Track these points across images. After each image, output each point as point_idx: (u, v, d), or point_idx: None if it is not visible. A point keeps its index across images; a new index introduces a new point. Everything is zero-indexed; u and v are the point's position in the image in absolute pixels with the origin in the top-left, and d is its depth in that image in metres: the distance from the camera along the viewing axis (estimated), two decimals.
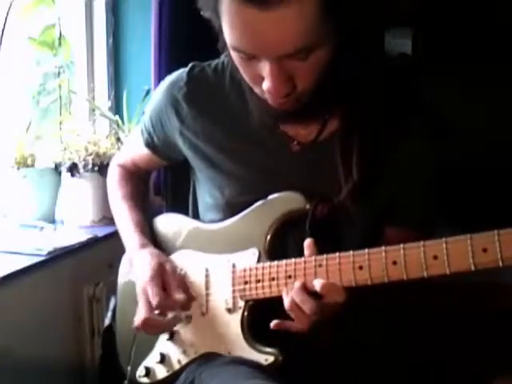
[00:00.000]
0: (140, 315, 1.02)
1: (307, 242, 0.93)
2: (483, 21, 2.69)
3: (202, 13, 0.90)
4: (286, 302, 0.92)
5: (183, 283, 1.06)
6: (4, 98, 1.83)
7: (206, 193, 1.12)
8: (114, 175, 1.27)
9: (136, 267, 1.09)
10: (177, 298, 1.02)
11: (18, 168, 1.67)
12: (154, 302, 1.00)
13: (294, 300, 0.90)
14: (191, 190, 1.25)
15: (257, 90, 0.92)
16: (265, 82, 0.87)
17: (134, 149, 1.25)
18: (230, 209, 1.07)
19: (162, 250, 1.12)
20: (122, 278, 1.20)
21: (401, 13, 2.54)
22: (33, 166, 1.71)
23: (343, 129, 0.99)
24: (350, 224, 1.01)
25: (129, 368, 1.08)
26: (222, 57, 1.09)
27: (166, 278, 1.04)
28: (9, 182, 1.70)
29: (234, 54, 0.89)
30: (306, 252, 0.93)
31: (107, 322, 1.21)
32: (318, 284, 0.89)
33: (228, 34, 0.85)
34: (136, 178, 1.27)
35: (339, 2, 0.81)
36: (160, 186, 1.74)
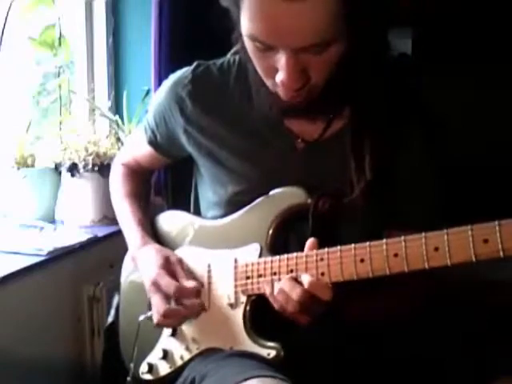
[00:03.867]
0: (159, 309, 1.02)
1: (310, 242, 0.94)
2: (483, 21, 2.69)
3: (220, 1, 0.90)
4: (276, 290, 0.93)
5: (190, 272, 1.06)
6: (4, 98, 1.83)
7: (209, 190, 1.12)
8: (116, 174, 1.28)
9: (141, 264, 1.10)
10: (189, 285, 1.02)
11: (18, 168, 1.67)
12: (171, 290, 1.01)
13: (283, 288, 0.91)
14: (192, 189, 1.25)
15: (268, 82, 0.93)
16: (279, 74, 0.88)
17: (136, 147, 1.25)
18: (233, 206, 1.07)
19: (165, 246, 1.12)
20: (125, 276, 1.20)
21: (401, 13, 2.54)
22: (33, 166, 1.71)
23: (353, 126, 1.00)
24: (351, 219, 1.01)
25: (131, 365, 1.08)
26: (228, 55, 1.10)
27: (174, 269, 1.05)
28: (9, 182, 1.70)
29: (250, 45, 0.89)
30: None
31: (110, 319, 1.21)
32: (305, 280, 0.90)
33: (247, 23, 0.85)
34: (139, 176, 1.27)
35: (359, 1, 0.83)
36: (161, 186, 1.74)
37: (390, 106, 1.01)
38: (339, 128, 1.02)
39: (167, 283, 1.02)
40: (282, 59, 0.86)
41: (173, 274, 1.04)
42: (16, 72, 1.86)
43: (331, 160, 1.01)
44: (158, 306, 1.02)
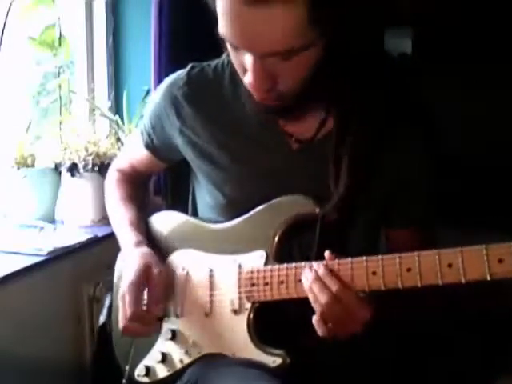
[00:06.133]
0: (120, 322, 1.02)
1: (327, 256, 0.92)
2: (483, 20, 2.69)
3: None
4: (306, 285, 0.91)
5: (167, 289, 1.05)
6: (4, 98, 1.83)
7: (206, 194, 1.12)
8: (111, 179, 1.27)
9: (125, 267, 1.08)
10: (154, 310, 1.02)
11: (18, 168, 1.67)
12: (128, 312, 1.00)
13: (312, 288, 0.90)
14: (190, 192, 1.24)
15: (243, 80, 0.92)
16: (247, 75, 0.88)
17: (132, 152, 1.25)
18: (231, 208, 1.07)
19: (161, 248, 1.11)
20: (117, 276, 1.19)
21: (401, 12, 2.54)
22: (33, 166, 1.71)
23: (336, 136, 0.99)
24: (353, 227, 1.01)
25: (127, 367, 1.07)
26: (223, 56, 1.09)
27: (149, 285, 1.03)
28: (9, 182, 1.70)
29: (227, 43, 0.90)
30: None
31: (102, 319, 1.19)
32: (333, 286, 0.89)
33: (219, 23, 0.85)
34: (134, 180, 1.26)
35: (326, 9, 0.81)
36: (160, 185, 1.74)
37: (388, 106, 1.00)
38: (332, 128, 1.01)
39: (129, 303, 1.00)
40: (248, 61, 0.86)
41: (142, 292, 1.02)
42: (16, 72, 1.86)
43: (325, 160, 1.00)
44: (119, 317, 1.03)
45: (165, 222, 1.17)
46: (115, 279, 1.20)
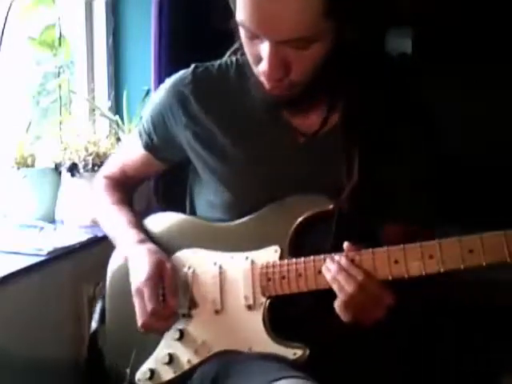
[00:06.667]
0: (139, 317, 1.02)
1: (347, 247, 0.94)
2: (483, 20, 2.69)
3: None
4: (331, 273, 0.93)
5: (183, 284, 1.05)
6: (4, 98, 1.83)
7: (210, 192, 1.12)
8: (100, 186, 1.26)
9: (132, 264, 1.08)
10: (173, 303, 1.02)
11: (18, 168, 1.67)
12: (149, 308, 1.01)
13: (337, 279, 0.91)
14: (188, 194, 1.23)
15: (255, 70, 0.95)
16: (261, 63, 0.91)
17: (126, 156, 1.25)
18: (237, 205, 1.07)
19: (162, 249, 1.10)
20: (113, 276, 1.18)
21: (401, 12, 2.54)
22: (33, 166, 1.71)
23: (343, 129, 1.00)
24: (358, 222, 1.02)
25: (127, 370, 1.06)
26: (225, 57, 1.11)
27: (164, 279, 1.03)
28: (9, 182, 1.70)
29: (242, 31, 0.92)
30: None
31: (94, 325, 1.18)
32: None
33: (239, 9, 0.88)
34: (124, 186, 1.26)
35: (340, 2, 0.85)
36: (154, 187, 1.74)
37: (389, 106, 1.01)
38: (337, 122, 1.03)
39: (148, 298, 1.01)
40: (265, 48, 0.88)
41: (161, 284, 1.03)
42: (16, 72, 1.85)
43: (331, 154, 1.02)
44: (138, 313, 1.03)
45: (163, 222, 1.17)
46: (111, 281, 1.18)
